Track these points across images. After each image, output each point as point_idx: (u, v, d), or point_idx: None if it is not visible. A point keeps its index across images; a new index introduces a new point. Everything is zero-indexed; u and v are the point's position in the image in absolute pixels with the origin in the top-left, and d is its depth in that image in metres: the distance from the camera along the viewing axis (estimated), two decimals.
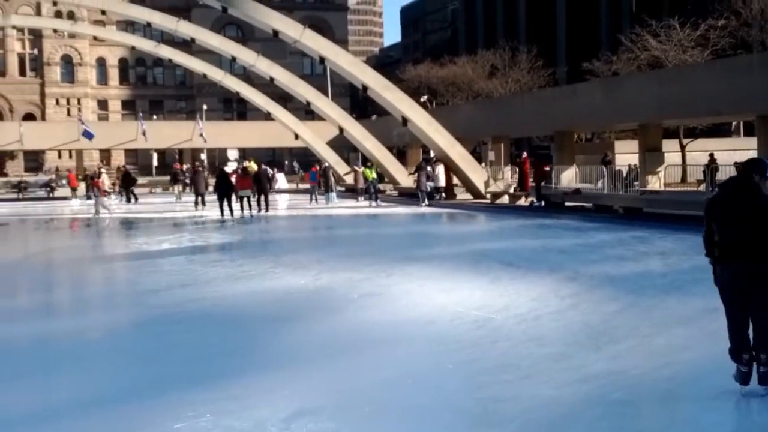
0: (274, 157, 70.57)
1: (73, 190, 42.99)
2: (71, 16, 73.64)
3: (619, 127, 43.97)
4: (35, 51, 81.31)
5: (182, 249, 18.84)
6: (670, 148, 37.68)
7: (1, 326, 9.96)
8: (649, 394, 6.50)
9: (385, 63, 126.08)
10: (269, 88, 46.55)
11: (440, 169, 35.16)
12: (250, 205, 28.83)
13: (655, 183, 29.56)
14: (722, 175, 24.47)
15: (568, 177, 29.28)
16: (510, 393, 6.55)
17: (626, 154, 38.27)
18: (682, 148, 41.65)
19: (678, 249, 15.58)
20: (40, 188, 50.19)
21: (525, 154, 32.52)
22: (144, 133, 56.33)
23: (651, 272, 12.74)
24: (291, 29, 30.94)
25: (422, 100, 55.73)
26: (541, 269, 13.11)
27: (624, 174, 26.38)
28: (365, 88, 31.55)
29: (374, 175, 34.59)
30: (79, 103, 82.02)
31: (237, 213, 27.90)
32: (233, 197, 28.18)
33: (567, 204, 26.67)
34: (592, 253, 15.32)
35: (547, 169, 29.47)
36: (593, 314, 9.53)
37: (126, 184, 39.89)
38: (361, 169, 40.54)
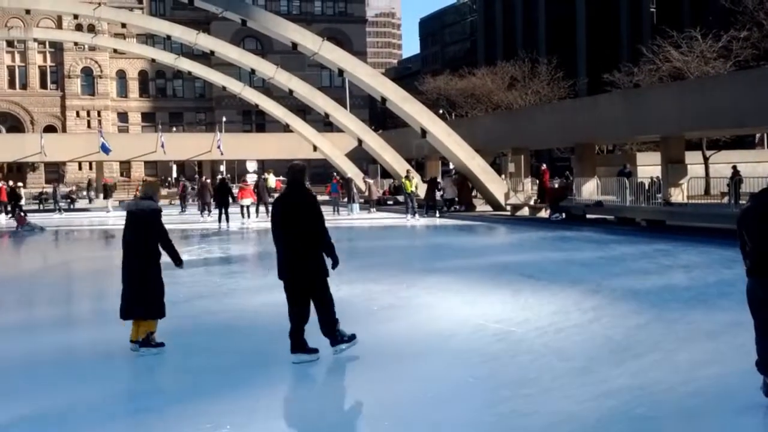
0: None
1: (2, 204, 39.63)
2: (92, 29, 74.33)
3: (640, 139, 43.70)
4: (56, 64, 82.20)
5: (200, 260, 18.84)
6: (693, 160, 37.41)
7: (24, 337, 9.98)
8: (673, 410, 6.39)
9: (403, 75, 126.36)
10: (288, 100, 46.76)
11: (449, 182, 35.43)
12: (249, 213, 31.01)
13: (678, 195, 29.30)
14: (746, 188, 24.25)
15: (589, 189, 29.09)
16: (531, 408, 6.46)
17: (648, 166, 38.02)
18: (705, 160, 41.34)
19: (702, 262, 15.40)
20: (62, 200, 50.51)
21: (544, 166, 32.37)
22: (163, 146, 56.72)
23: (675, 286, 12.57)
24: (310, 42, 31.01)
25: (440, 112, 55.75)
26: (562, 282, 12.98)
27: (646, 186, 26.17)
28: (384, 99, 31.54)
29: (413, 187, 32.03)
30: (99, 115, 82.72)
31: (239, 221, 29.97)
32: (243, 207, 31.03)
33: (588, 216, 26.48)
34: (615, 266, 15.17)
35: (561, 185, 29.35)
36: (616, 328, 9.39)
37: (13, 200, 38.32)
38: (371, 181, 40.52)
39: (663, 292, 11.85)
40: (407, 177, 32.51)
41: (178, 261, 9.22)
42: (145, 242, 8.81)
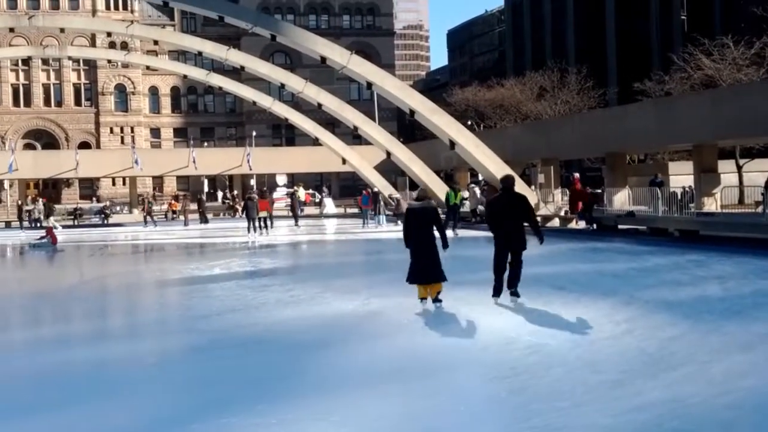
0: (321, 182, 71.04)
1: None
2: (125, 46, 75.45)
3: (672, 148, 43.33)
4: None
5: (232, 274, 18.99)
6: (727, 169, 36.97)
7: (59, 351, 10.11)
8: (708, 423, 6.30)
9: (432, 87, 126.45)
10: (317, 113, 46.99)
11: (477, 191, 35.35)
12: (265, 225, 32.36)
13: (711, 205, 28.98)
14: None
15: (621, 199, 28.86)
16: (564, 421, 6.41)
17: (681, 176, 37.65)
18: (739, 168, 40.84)
19: (737, 273, 15.19)
20: (95, 215, 51.20)
21: (576, 175, 32.10)
22: (194, 161, 57.35)
23: (709, 297, 12.41)
24: (338, 55, 31.20)
25: (469, 123, 55.66)
26: (594, 294, 12.88)
27: (679, 196, 25.91)
28: (412, 112, 31.59)
29: (458, 200, 29.99)
30: (132, 131, 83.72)
31: (253, 234, 31.21)
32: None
33: (620, 227, 26.25)
34: (648, 278, 15.00)
35: (594, 192, 29.05)
36: (649, 340, 9.30)
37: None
38: (398, 196, 40.46)
39: (697, 304, 11.71)
40: (453, 188, 30.97)
41: (446, 244, 12.36)
42: (429, 229, 11.97)
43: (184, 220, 43.94)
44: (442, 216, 16.86)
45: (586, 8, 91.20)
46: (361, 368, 8.52)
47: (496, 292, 12.11)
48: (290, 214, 39.50)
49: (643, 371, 7.87)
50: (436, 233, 12.05)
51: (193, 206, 49.16)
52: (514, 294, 11.98)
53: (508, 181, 12.51)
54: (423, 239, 11.84)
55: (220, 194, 73.06)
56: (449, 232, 29.00)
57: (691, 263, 16.96)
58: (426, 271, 11.80)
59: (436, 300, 11.86)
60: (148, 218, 42.93)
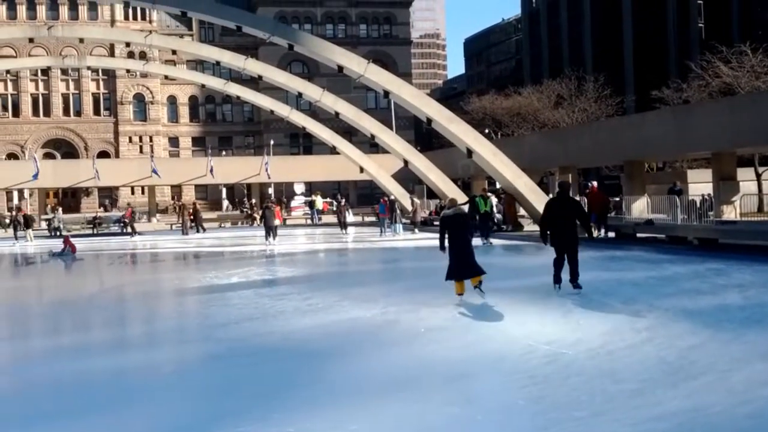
0: (339, 190, 71.14)
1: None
2: (143, 56, 76.03)
3: (691, 155, 43.11)
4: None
5: (250, 282, 19.04)
6: (746, 177, 36.72)
7: (77, 360, 10.17)
8: None
9: (449, 95, 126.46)
10: (334, 122, 47.10)
11: (492, 200, 35.36)
12: (274, 235, 33.22)
13: (730, 213, 28.77)
14: None
15: (639, 207, 28.70)
16: (582, 431, 6.38)
17: (699, 184, 37.41)
18: (758, 176, 40.54)
19: (757, 281, 15.07)
20: (114, 224, 51.52)
21: (595, 184, 31.91)
22: (212, 170, 57.65)
23: (729, 305, 12.31)
24: (355, 64, 31.24)
25: (486, 131, 55.61)
26: (613, 302, 12.81)
27: (698, 204, 25.73)
28: (429, 120, 31.56)
29: (488, 206, 29.00)
30: (151, 140, 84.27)
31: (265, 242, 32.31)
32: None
33: (639, 235, 26.09)
34: (667, 286, 14.90)
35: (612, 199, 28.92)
36: (669, 349, 9.23)
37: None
38: (418, 202, 40.48)
39: (717, 312, 11.61)
40: (482, 195, 29.69)
41: (441, 247, 13.80)
42: (465, 232, 13.68)
43: (183, 229, 43.92)
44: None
45: (603, 16, 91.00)
46: (377, 377, 8.51)
47: (556, 281, 14.03)
48: (339, 221, 41.48)
49: (663, 380, 7.82)
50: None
51: (211, 214, 49.35)
52: (576, 287, 13.67)
53: (564, 186, 14.75)
54: (457, 241, 13.44)
55: (225, 203, 73.48)
56: (477, 241, 28.68)
57: (710, 272, 16.83)
58: (461, 270, 13.39)
59: (477, 287, 13.53)
60: (191, 225, 43.31)
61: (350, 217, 51.77)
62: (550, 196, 35.78)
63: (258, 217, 46.64)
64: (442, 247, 13.67)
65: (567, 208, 13.96)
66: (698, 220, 24.58)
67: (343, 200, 44.07)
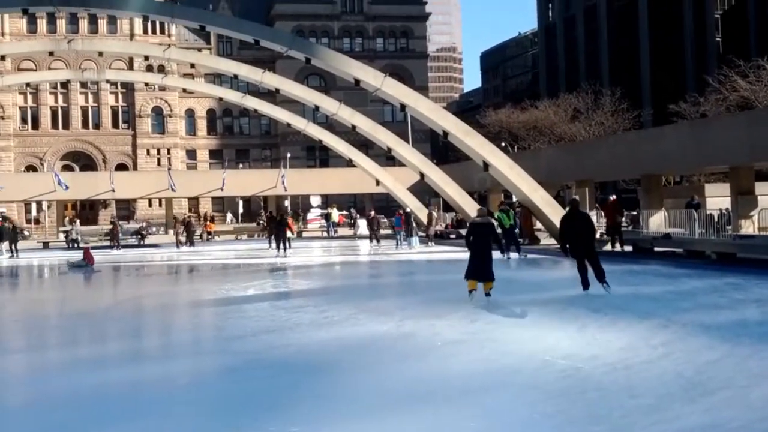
0: (355, 203, 71.24)
1: None
2: (162, 69, 76.59)
3: (708, 169, 42.86)
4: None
5: (266, 294, 19.09)
6: (764, 191, 36.40)
7: (94, 372, 10.22)
8: None
9: (465, 108, 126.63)
10: (351, 135, 47.21)
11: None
12: (285, 245, 34.69)
13: (748, 227, 28.56)
14: None
15: (657, 222, 28.57)
16: None
17: (717, 198, 37.19)
18: None
19: None
20: (131, 236, 51.80)
21: (613, 197, 31.79)
22: (223, 183, 58.03)
23: (747, 320, 12.22)
24: (372, 78, 31.36)
25: (503, 145, 55.57)
26: (630, 317, 12.74)
27: (715, 218, 25.59)
28: (446, 133, 31.61)
29: (512, 220, 28.65)
30: (168, 153, 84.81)
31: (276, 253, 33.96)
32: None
33: (656, 249, 25.97)
34: (685, 301, 14.81)
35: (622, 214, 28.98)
36: (687, 364, 9.17)
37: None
38: (435, 214, 40.45)
39: (735, 327, 11.52)
40: (504, 209, 29.12)
41: (501, 250, 17.33)
42: (488, 240, 15.37)
43: (176, 242, 43.94)
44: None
45: (619, 30, 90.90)
46: (394, 390, 8.51)
47: (584, 287, 15.49)
48: (371, 233, 41.55)
49: (681, 396, 7.77)
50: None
51: (227, 226, 49.49)
52: (604, 284, 15.27)
53: (573, 203, 17.11)
54: (480, 246, 15.18)
55: (229, 216, 73.71)
56: (514, 255, 28.41)
57: (728, 286, 16.71)
58: (478, 271, 14.93)
59: (487, 294, 14.81)
60: (184, 240, 43.57)
61: (365, 230, 51.83)
62: (566, 209, 35.82)
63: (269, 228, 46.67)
64: (468, 246, 15.53)
65: (577, 221, 15.88)
66: (716, 234, 24.43)
67: (372, 212, 43.90)
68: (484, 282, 14.90)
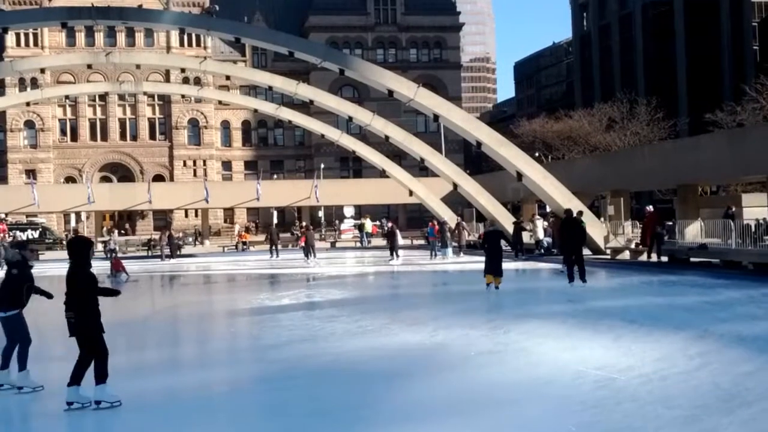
0: (388, 214, 71.31)
1: None
2: (198, 81, 77.55)
3: (745, 179, 42.29)
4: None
5: (301, 304, 19.23)
6: None
7: (133, 381, 10.37)
8: None
9: (498, 118, 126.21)
10: (384, 146, 47.36)
11: (539, 224, 36.16)
12: (310, 254, 36.44)
13: None
14: None
15: (693, 232, 28.26)
16: None
17: (754, 207, 36.68)
18: None
19: None
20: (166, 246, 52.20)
21: (650, 208, 31.49)
22: (258, 193, 58.56)
23: None
24: (405, 88, 31.47)
25: (536, 155, 55.35)
26: (666, 328, 12.64)
27: (753, 228, 25.24)
28: (479, 144, 31.60)
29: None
30: (204, 164, 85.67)
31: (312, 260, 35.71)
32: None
33: (692, 260, 25.69)
34: (721, 311, 14.65)
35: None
36: (724, 375, 9.09)
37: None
38: (464, 224, 40.22)
39: None
40: (533, 219, 31.10)
41: (516, 253, 24.89)
42: (499, 244, 19.95)
43: (161, 254, 43.72)
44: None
45: (655, 38, 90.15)
46: (428, 400, 8.54)
47: (569, 280, 19.75)
48: (389, 246, 39.44)
49: (718, 407, 7.71)
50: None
51: (261, 237, 49.50)
52: (584, 282, 19.58)
53: (568, 212, 22.00)
54: (494, 249, 19.58)
55: (237, 226, 73.68)
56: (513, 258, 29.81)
57: (765, 297, 16.51)
58: (494, 269, 19.21)
59: (496, 287, 18.93)
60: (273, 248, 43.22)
61: (400, 240, 51.81)
62: (601, 220, 35.65)
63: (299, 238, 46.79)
64: (485, 249, 19.85)
65: (572, 228, 20.49)
66: (753, 244, 24.10)
67: (390, 223, 43.56)
68: (495, 277, 19.05)
